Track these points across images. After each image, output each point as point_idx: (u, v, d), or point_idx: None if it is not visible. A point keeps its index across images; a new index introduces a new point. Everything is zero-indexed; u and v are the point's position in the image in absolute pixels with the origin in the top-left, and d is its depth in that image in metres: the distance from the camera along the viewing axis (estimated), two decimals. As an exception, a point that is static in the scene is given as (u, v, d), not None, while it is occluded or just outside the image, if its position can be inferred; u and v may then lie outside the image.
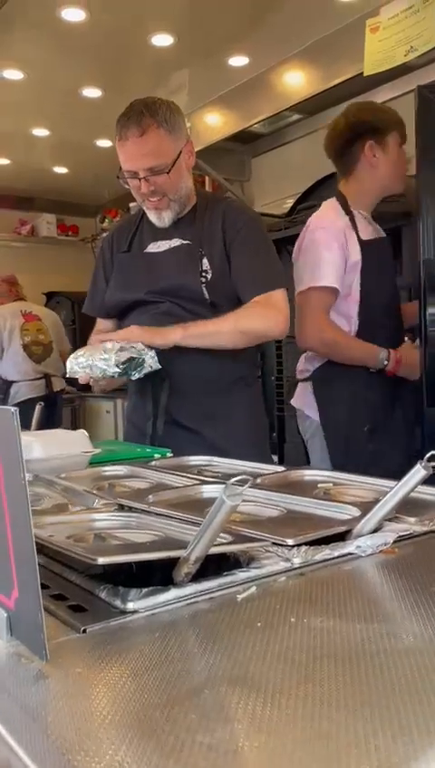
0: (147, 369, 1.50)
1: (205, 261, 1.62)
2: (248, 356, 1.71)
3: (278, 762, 0.37)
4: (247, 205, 1.68)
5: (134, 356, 1.48)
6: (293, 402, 1.94)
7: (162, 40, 2.95)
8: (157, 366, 1.51)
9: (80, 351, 1.53)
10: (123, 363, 1.47)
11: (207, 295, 1.60)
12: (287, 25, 2.79)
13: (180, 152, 1.59)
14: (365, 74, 2.45)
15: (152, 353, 1.50)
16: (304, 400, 1.88)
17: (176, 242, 1.66)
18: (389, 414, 1.81)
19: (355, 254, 1.76)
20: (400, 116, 1.87)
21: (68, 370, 1.53)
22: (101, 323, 1.81)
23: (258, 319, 1.57)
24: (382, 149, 1.81)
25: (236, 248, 1.62)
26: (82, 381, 1.52)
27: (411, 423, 1.85)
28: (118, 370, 1.47)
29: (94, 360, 1.47)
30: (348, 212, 1.80)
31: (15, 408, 0.47)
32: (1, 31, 2.70)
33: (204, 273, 1.61)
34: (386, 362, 1.75)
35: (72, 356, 1.54)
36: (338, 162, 1.89)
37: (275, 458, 2.92)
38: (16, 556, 0.51)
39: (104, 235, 5.46)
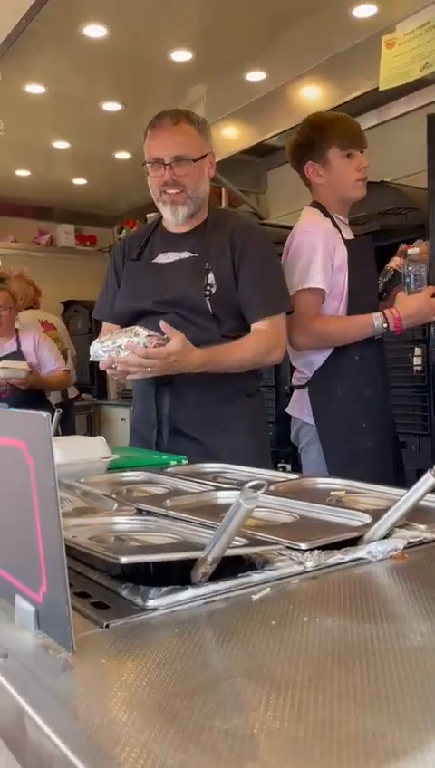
0: None
1: (211, 275, 1.65)
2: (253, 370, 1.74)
3: (291, 746, 0.40)
4: (255, 221, 1.70)
5: (162, 343, 1.47)
6: (288, 410, 1.95)
7: (181, 55, 3.02)
8: None
9: (104, 336, 1.53)
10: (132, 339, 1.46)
11: (210, 308, 1.63)
12: (304, 41, 2.84)
13: (205, 155, 1.66)
14: (381, 89, 2.49)
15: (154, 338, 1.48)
16: (300, 407, 1.88)
17: (185, 254, 1.69)
18: (385, 407, 1.85)
19: (341, 253, 1.79)
20: (345, 124, 1.85)
21: (91, 355, 1.54)
22: (107, 328, 1.82)
23: (268, 352, 1.66)
24: (323, 167, 1.82)
25: (245, 267, 1.66)
26: (102, 367, 1.53)
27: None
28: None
29: (121, 343, 1.47)
30: (328, 215, 1.84)
31: (48, 414, 0.50)
32: (25, 47, 2.77)
33: (208, 287, 1.64)
34: (386, 325, 1.75)
35: (96, 340, 1.54)
36: (302, 179, 1.93)
37: (289, 466, 2.94)
38: (46, 554, 0.54)
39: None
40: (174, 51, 2.98)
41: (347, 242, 1.82)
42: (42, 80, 3.24)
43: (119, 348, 1.47)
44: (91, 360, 1.56)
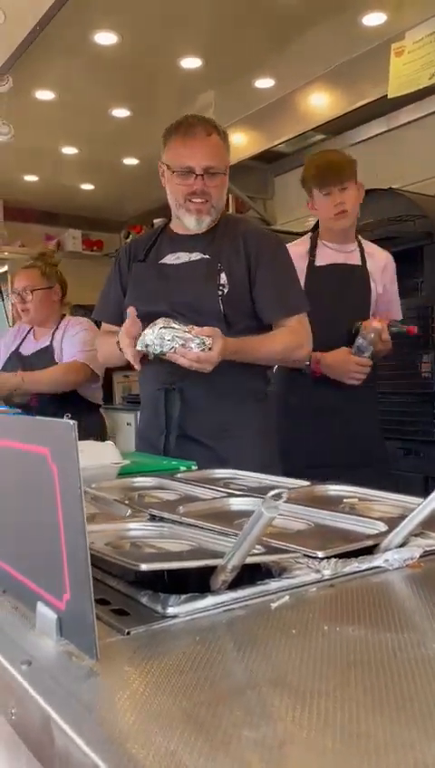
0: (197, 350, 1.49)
1: (223, 275, 1.65)
2: (259, 371, 1.75)
3: (321, 756, 0.40)
4: (266, 227, 1.84)
5: (178, 335, 1.47)
6: None
7: (190, 62, 3.03)
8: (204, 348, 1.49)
9: (158, 326, 1.54)
10: (168, 340, 1.47)
11: (222, 309, 1.63)
12: (313, 48, 2.85)
13: (227, 168, 1.70)
14: (389, 96, 2.50)
15: (198, 341, 1.47)
16: None
17: (196, 255, 1.69)
18: (307, 419, 1.99)
19: (302, 277, 1.99)
20: (321, 167, 2.07)
21: (141, 345, 1.54)
22: (107, 326, 1.84)
23: (296, 348, 1.69)
24: (313, 201, 2.10)
25: (262, 268, 1.66)
26: (130, 357, 1.55)
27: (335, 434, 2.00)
28: (170, 345, 1.47)
29: (145, 335, 1.49)
30: (314, 242, 2.11)
31: (74, 422, 0.51)
32: (36, 53, 2.79)
33: (221, 287, 1.64)
34: (308, 362, 1.91)
35: (147, 330, 1.53)
36: None
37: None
38: (70, 560, 0.54)
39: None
40: (183, 58, 2.99)
41: (314, 268, 2.05)
42: (51, 86, 3.26)
43: (143, 339, 1.50)
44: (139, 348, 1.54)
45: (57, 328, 2.54)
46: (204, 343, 1.46)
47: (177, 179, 1.66)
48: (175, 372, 1.59)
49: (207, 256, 1.68)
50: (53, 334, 2.53)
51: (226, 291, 1.64)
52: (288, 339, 1.67)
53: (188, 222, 1.70)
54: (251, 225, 1.85)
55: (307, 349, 1.72)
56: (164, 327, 1.47)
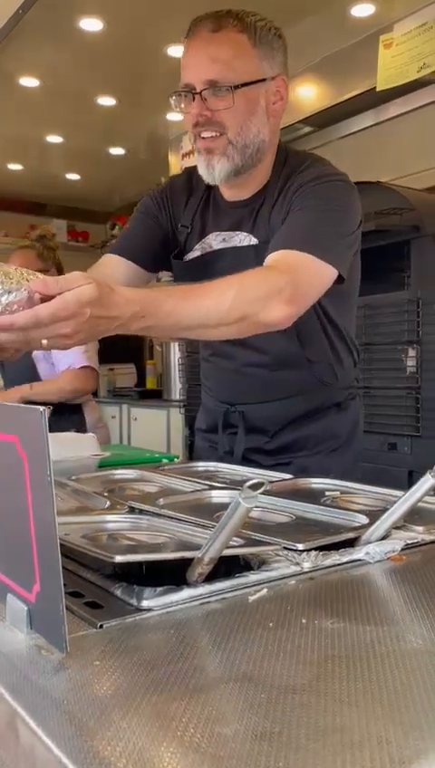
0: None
1: None
2: (348, 376, 1.34)
3: (294, 752, 0.38)
4: (336, 172, 1.20)
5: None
6: None
7: (177, 50, 2.98)
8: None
9: None
10: None
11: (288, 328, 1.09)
12: (301, 40, 2.82)
13: (263, 81, 1.11)
14: (378, 89, 2.50)
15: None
16: None
17: (243, 237, 1.21)
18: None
19: None
20: None
21: None
22: (110, 262, 1.28)
23: (267, 297, 0.98)
24: None
25: (294, 209, 1.13)
26: None
27: None
28: None
29: None
30: None
31: (44, 408, 0.49)
32: (20, 39, 2.74)
33: None
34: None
35: None
36: None
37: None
38: (39, 551, 0.52)
39: (114, 239, 5.52)
40: (170, 46, 2.96)
41: None
42: (36, 72, 3.21)
43: None
44: None
45: None
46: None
47: (184, 107, 1.14)
48: (235, 389, 1.31)
49: (255, 240, 1.19)
50: None
51: None
52: (253, 281, 0.98)
53: (200, 170, 1.17)
54: (312, 169, 1.18)
55: (284, 302, 0.98)
56: None
